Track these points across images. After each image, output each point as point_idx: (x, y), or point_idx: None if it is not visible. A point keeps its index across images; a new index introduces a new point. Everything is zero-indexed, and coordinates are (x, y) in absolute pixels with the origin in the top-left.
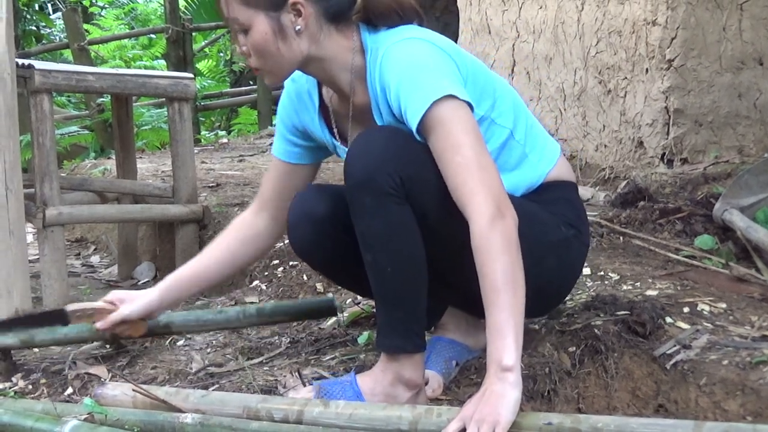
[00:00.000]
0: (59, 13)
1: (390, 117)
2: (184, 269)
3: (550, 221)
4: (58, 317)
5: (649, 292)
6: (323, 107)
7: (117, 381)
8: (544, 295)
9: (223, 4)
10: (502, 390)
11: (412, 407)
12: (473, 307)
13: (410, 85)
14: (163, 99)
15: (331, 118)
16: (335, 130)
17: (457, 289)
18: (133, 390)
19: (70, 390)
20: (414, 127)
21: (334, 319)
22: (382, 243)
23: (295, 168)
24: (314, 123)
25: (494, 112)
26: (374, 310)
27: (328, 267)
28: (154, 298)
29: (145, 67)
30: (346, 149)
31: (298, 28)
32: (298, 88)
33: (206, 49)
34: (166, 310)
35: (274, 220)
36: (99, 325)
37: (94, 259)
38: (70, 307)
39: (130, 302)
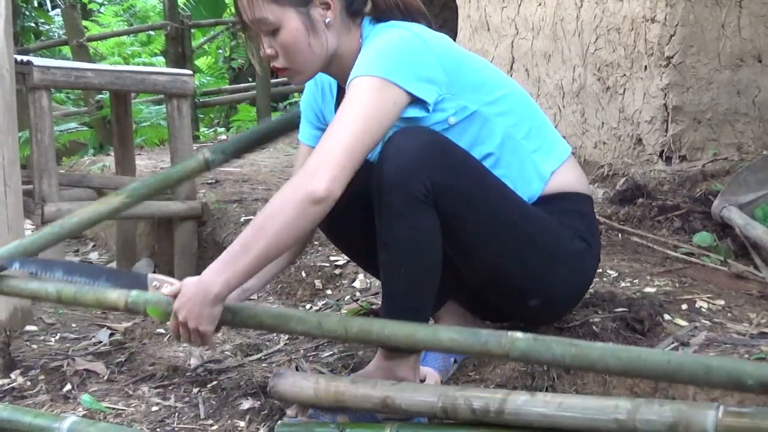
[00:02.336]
0: (58, 10)
1: None
2: None
3: (563, 233)
4: (138, 281)
5: (648, 289)
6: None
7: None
8: (553, 304)
9: (247, 6)
10: None
11: (631, 398)
12: (478, 307)
13: (364, 56)
14: (162, 96)
15: None
16: None
17: (469, 288)
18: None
19: (68, 386)
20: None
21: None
22: (401, 245)
23: None
24: (332, 114)
25: (492, 109)
26: (372, 306)
27: (356, 244)
28: None
29: (144, 64)
30: None
31: (327, 20)
32: (321, 77)
33: (205, 46)
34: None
35: None
36: (166, 290)
37: (93, 256)
38: (152, 275)
39: None
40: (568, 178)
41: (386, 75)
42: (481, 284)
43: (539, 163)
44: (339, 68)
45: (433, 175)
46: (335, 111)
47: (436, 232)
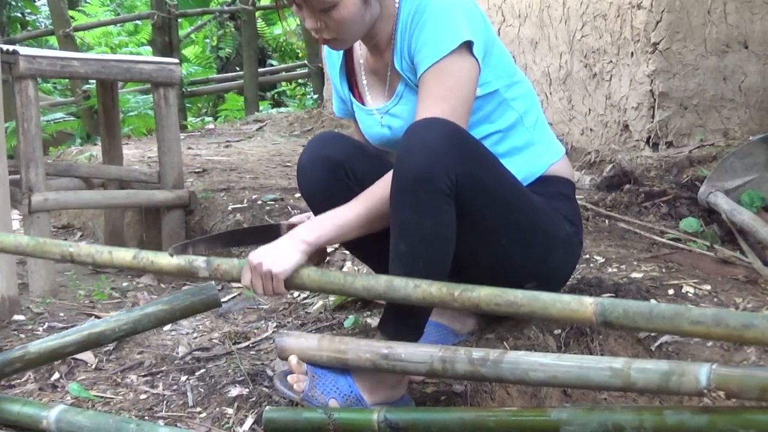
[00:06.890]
0: (44, 0)
1: (408, 57)
2: None
3: (557, 218)
4: (274, 231)
5: (635, 275)
6: (348, 63)
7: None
8: (546, 288)
9: None
10: None
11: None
12: None
13: (435, 24)
14: (149, 85)
15: (358, 73)
16: (363, 88)
17: (463, 275)
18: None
19: (56, 375)
20: (422, 69)
21: (321, 303)
22: (424, 239)
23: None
24: (336, 78)
25: (509, 93)
26: None
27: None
28: None
29: (131, 54)
30: (365, 108)
31: None
32: None
33: (192, 36)
34: None
35: None
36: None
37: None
38: (285, 222)
39: None
40: (561, 166)
41: (458, 41)
42: (481, 271)
43: (542, 152)
44: (373, 29)
45: (458, 168)
46: (341, 73)
47: (454, 224)
